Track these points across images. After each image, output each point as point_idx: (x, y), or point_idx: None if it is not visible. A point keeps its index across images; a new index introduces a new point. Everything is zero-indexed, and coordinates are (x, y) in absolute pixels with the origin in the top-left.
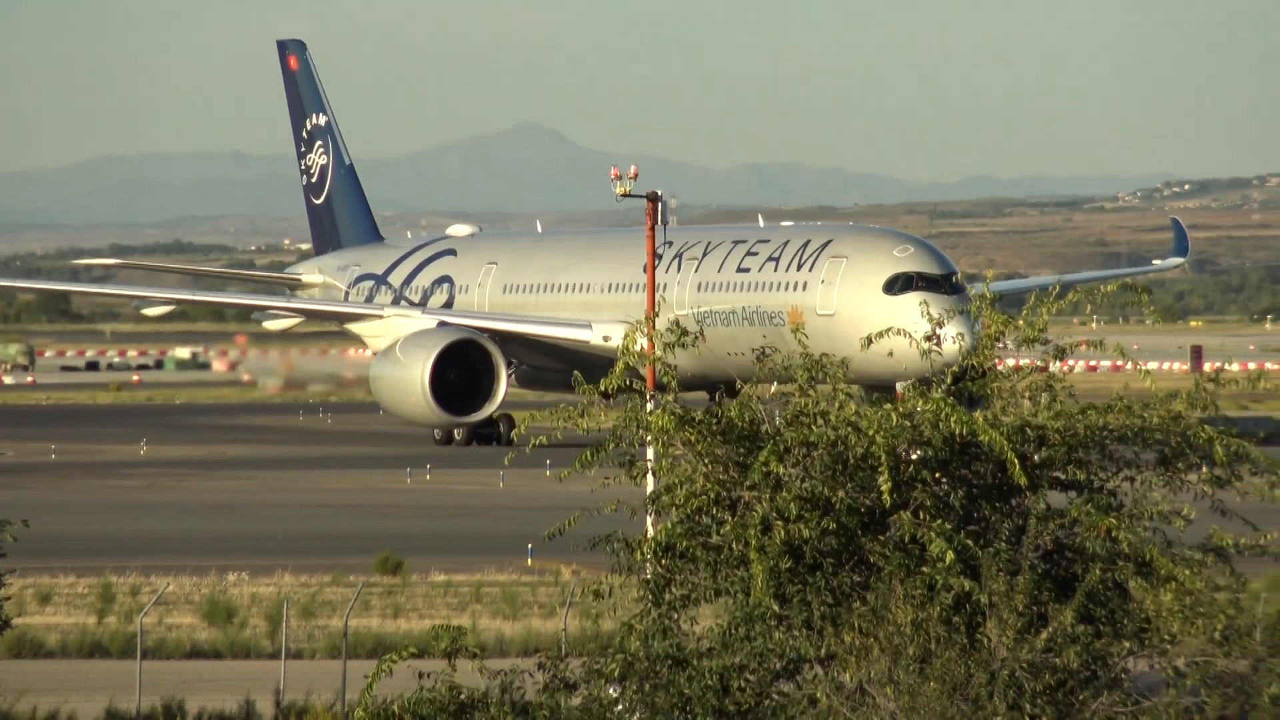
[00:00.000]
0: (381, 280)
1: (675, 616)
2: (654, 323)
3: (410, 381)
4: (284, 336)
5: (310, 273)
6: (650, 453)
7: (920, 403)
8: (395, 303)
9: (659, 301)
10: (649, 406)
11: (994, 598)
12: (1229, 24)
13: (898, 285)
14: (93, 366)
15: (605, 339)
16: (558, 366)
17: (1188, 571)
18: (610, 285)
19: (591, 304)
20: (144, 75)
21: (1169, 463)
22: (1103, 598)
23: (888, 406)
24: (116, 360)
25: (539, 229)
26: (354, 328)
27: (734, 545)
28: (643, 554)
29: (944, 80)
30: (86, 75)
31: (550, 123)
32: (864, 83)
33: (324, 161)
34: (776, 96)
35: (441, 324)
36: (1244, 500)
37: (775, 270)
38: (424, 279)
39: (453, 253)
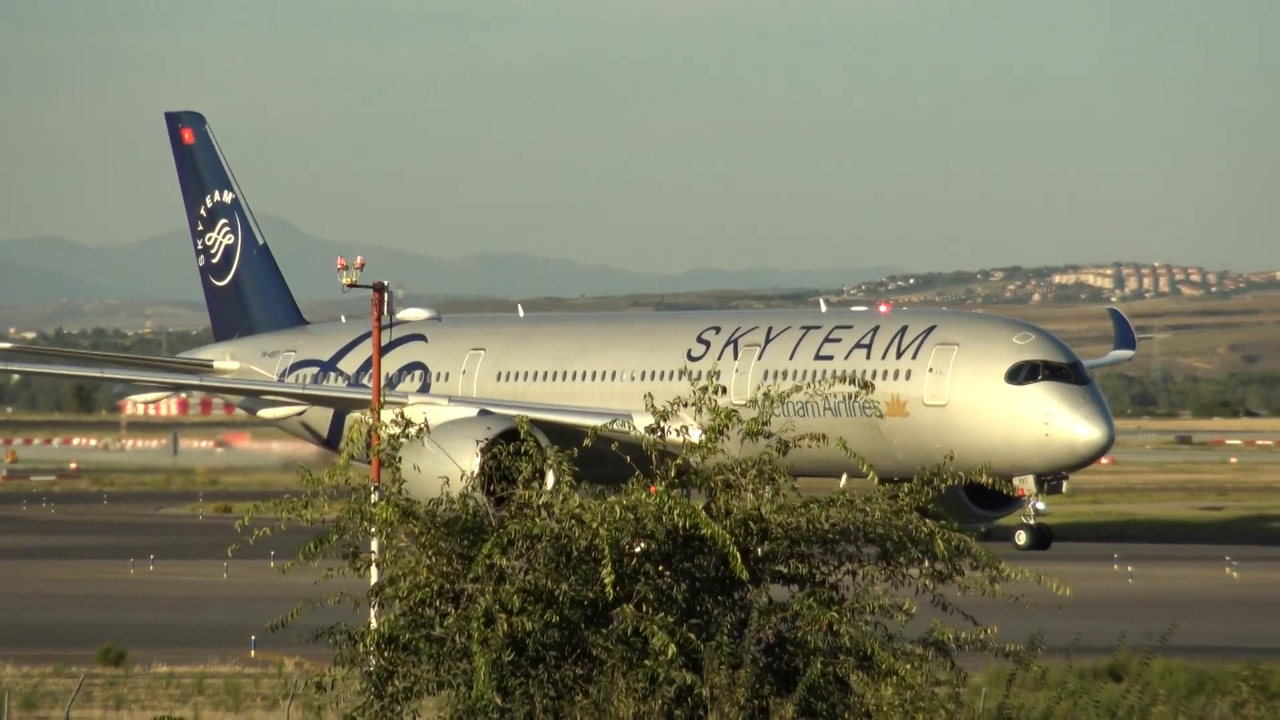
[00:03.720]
0: (329, 367)
1: (398, 709)
2: (378, 414)
3: (452, 475)
4: (7, 426)
5: (221, 358)
6: (374, 544)
7: (643, 495)
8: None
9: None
10: (373, 497)
11: (716, 691)
12: (949, 122)
13: (1023, 374)
14: None
15: (647, 429)
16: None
17: (908, 666)
18: (643, 373)
19: (620, 393)
20: None
21: (890, 557)
22: (824, 691)
23: (611, 499)
24: None
25: (520, 313)
26: (361, 415)
27: (457, 638)
28: (365, 646)
29: (670, 172)
30: None
31: (277, 211)
32: (591, 174)
33: (230, 241)
34: (505, 187)
35: (483, 412)
36: (965, 595)
37: (868, 358)
38: (387, 365)
39: (422, 338)
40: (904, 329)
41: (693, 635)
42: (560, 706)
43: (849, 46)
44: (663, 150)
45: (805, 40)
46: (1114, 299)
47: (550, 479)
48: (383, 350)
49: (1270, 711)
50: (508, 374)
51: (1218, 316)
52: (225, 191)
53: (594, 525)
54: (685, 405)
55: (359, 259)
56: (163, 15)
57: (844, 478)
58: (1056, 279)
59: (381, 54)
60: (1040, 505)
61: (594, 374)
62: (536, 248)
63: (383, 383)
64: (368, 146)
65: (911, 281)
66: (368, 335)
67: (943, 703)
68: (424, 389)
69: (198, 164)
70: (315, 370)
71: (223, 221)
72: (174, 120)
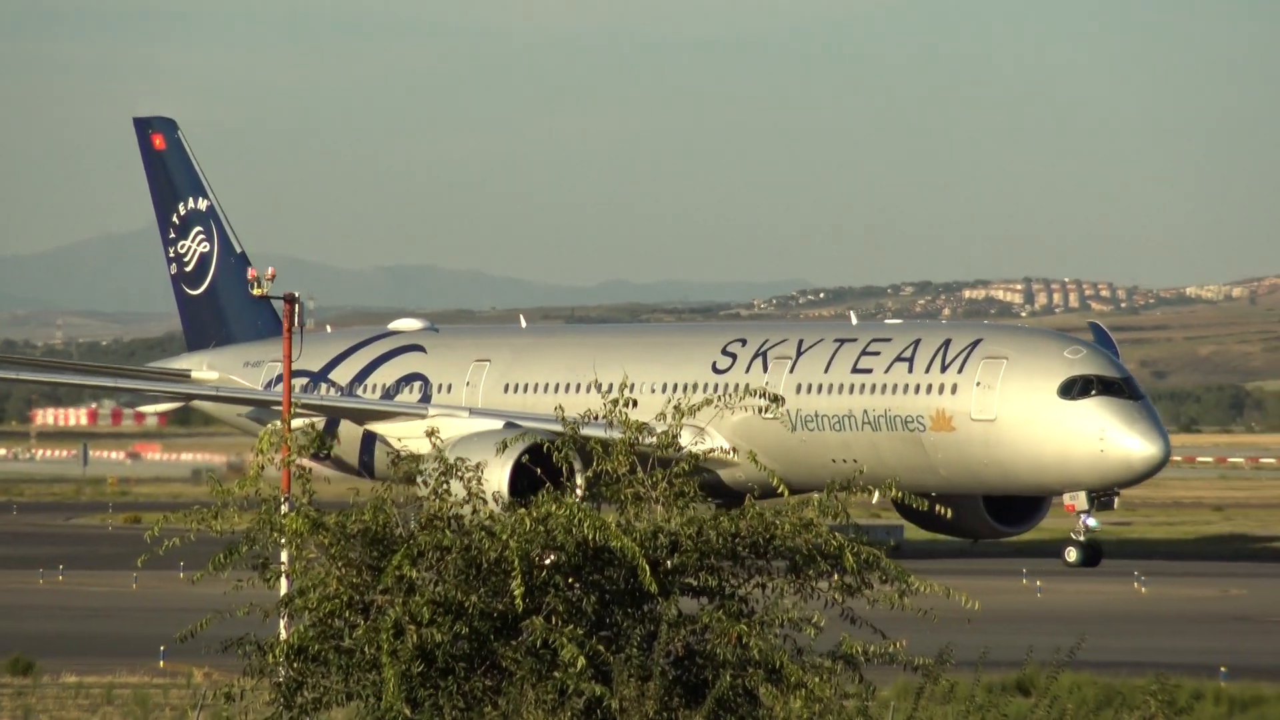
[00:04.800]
0: (320, 378)
1: None
2: (289, 425)
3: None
4: None
5: (198, 368)
6: (284, 555)
7: (554, 507)
8: None
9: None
10: (283, 509)
11: (625, 703)
12: (856, 137)
13: (1075, 389)
14: None
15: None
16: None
17: (817, 679)
18: (664, 385)
19: (641, 406)
20: None
21: (800, 570)
22: (733, 704)
23: (521, 511)
24: None
25: (523, 324)
26: (379, 427)
27: (366, 649)
28: (275, 657)
29: (578, 183)
30: None
31: None
32: (500, 184)
33: (205, 249)
34: (412, 198)
35: (509, 424)
36: (873, 608)
37: (910, 371)
38: (383, 377)
39: (419, 348)
40: (948, 342)
41: (602, 647)
42: (469, 718)
43: (752, 59)
44: (570, 161)
45: (709, 53)
46: (1024, 314)
47: (580, 487)
48: (379, 361)
49: None
50: (517, 386)
51: (1128, 332)
52: (200, 199)
53: (504, 537)
54: (596, 418)
55: (270, 270)
56: (72, 17)
57: (875, 494)
58: (966, 294)
59: (280, 62)
60: (1092, 522)
61: (613, 387)
62: (443, 259)
63: (376, 396)
64: (269, 154)
65: (821, 295)
66: (360, 345)
67: (851, 716)
68: (424, 401)
69: (169, 170)
70: (305, 381)
71: (197, 229)
72: (143, 126)
